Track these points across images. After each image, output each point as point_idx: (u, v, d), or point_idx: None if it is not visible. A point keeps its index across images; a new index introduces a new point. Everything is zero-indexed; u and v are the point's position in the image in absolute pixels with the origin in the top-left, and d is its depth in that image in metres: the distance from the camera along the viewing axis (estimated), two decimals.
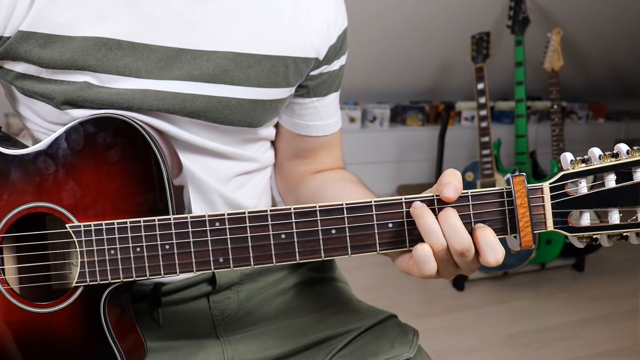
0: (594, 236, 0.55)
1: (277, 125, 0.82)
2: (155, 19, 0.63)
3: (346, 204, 0.56)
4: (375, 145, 3.23)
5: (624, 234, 0.54)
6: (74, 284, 0.60)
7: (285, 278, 0.82)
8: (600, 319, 2.17)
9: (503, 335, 2.04)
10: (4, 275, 0.63)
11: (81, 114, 0.63)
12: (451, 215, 0.54)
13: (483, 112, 2.33)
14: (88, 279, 0.59)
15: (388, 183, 3.32)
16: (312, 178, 0.83)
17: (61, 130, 0.61)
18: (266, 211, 0.57)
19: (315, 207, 0.57)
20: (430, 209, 0.55)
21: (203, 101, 0.66)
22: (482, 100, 2.34)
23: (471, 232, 0.54)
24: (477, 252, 0.55)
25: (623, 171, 0.54)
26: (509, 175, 2.41)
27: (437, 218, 0.54)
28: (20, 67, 0.63)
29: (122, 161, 0.60)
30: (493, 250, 0.53)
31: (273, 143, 0.84)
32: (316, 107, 0.79)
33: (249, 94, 0.69)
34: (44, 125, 0.68)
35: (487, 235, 0.54)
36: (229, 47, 0.66)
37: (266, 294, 0.79)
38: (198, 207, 0.73)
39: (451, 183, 0.54)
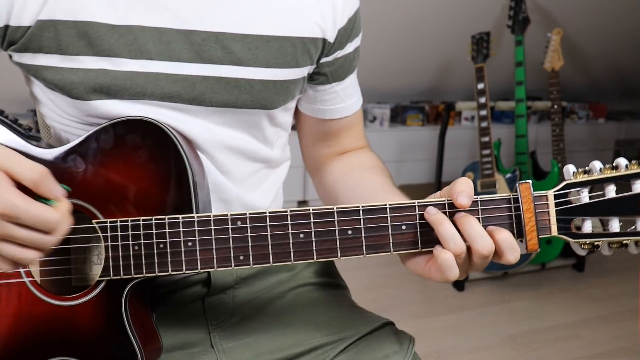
0: (595, 243, 0.59)
1: (298, 115, 0.84)
2: (162, 1, 0.65)
3: (362, 207, 0.60)
4: (375, 145, 3.17)
5: (624, 242, 0.58)
6: (97, 279, 0.62)
7: (282, 282, 0.80)
8: (600, 319, 2.17)
9: (503, 335, 2.04)
10: (29, 268, 0.64)
11: (101, 105, 0.65)
12: (474, 222, 0.58)
13: (483, 112, 2.34)
14: (112, 274, 0.61)
15: None
16: (335, 161, 0.85)
17: (91, 130, 0.64)
18: (286, 211, 0.60)
19: (332, 209, 0.60)
20: (441, 212, 0.59)
21: (213, 82, 0.67)
22: (482, 100, 2.34)
23: None
24: (495, 253, 0.59)
25: (623, 183, 0.58)
26: (509, 174, 2.41)
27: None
28: (41, 59, 0.64)
29: (149, 162, 0.63)
30: (513, 249, 0.58)
31: (297, 135, 0.86)
32: (337, 92, 0.80)
33: (259, 75, 0.70)
34: (66, 123, 0.69)
35: (507, 237, 0.58)
36: (236, 29, 0.67)
37: (262, 298, 0.78)
38: (214, 207, 0.72)
39: (465, 191, 0.58)
